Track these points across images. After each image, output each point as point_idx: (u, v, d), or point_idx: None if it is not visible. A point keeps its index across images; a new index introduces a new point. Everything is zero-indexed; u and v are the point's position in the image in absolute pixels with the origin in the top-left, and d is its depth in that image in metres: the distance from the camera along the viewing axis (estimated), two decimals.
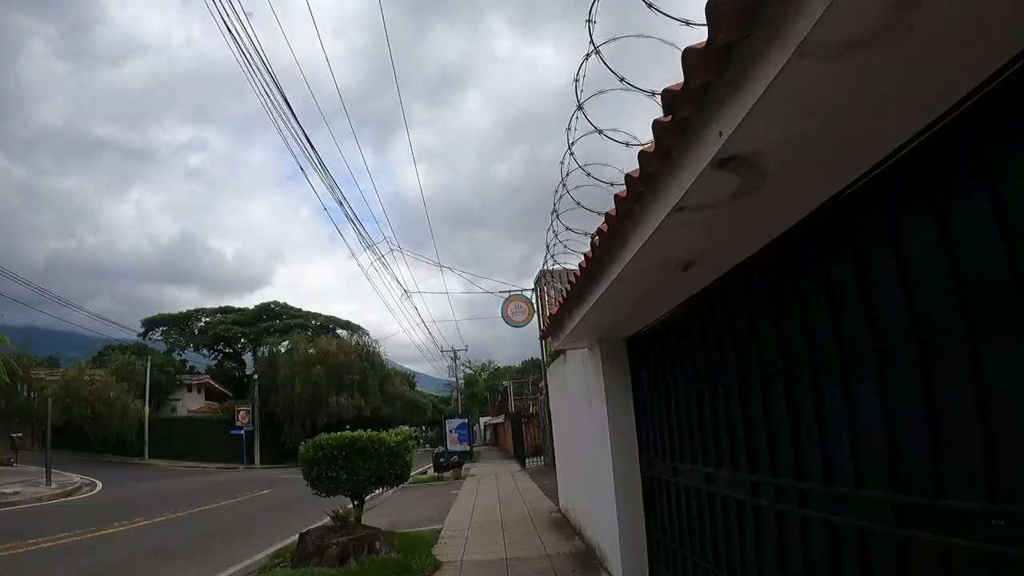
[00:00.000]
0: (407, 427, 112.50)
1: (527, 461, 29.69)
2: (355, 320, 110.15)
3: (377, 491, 15.21)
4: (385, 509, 18.27)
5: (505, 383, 62.99)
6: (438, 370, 72.71)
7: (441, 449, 28.94)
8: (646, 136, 3.68)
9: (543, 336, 9.56)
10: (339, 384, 56.09)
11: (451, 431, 40.52)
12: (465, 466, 31.00)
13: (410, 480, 28.12)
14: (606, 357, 8.25)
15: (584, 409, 9.74)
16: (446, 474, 26.57)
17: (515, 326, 28.52)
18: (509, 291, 28.77)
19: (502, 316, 28.35)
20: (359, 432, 11.32)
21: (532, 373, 58.94)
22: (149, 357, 54.59)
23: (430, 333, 70.66)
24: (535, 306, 27.52)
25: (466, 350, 66.73)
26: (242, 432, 53.02)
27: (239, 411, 54.39)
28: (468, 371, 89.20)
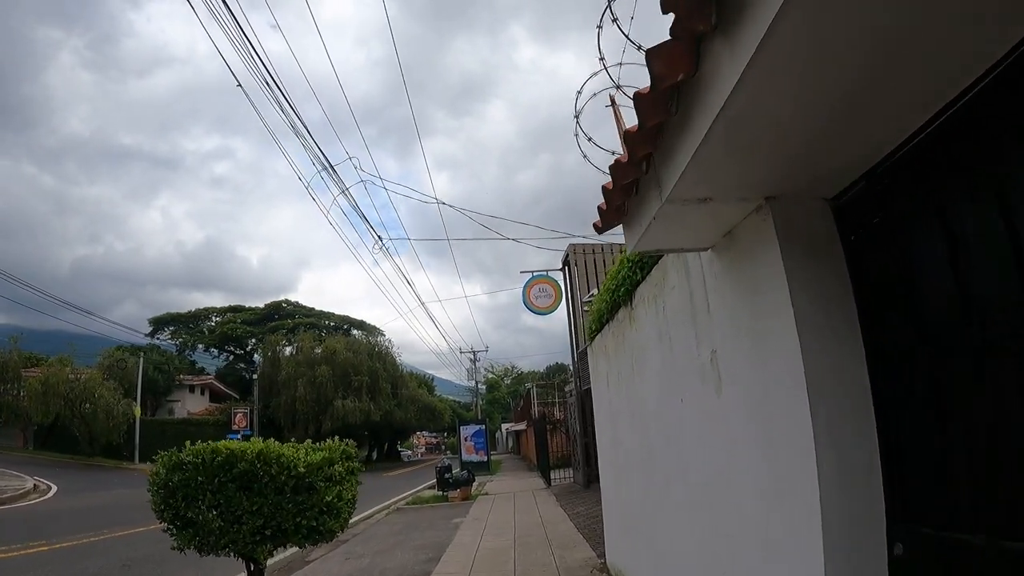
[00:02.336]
0: (424, 433, 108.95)
1: (552, 476, 24.57)
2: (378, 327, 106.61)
3: (284, 552, 9.33)
4: (353, 548, 13.45)
5: (527, 385, 58.21)
6: (458, 376, 68.80)
7: (446, 462, 23.59)
8: None
9: (606, 223, 4.02)
10: (346, 386, 51.52)
11: (466, 439, 35.89)
12: (478, 481, 26.03)
13: (410, 499, 23.47)
14: (788, 250, 3.09)
15: (693, 391, 4.89)
16: (452, 493, 21.36)
17: (539, 313, 23.68)
18: (532, 272, 23.85)
19: (523, 302, 23.58)
20: (243, 445, 6.24)
21: (558, 375, 54.82)
22: (142, 354, 49.98)
23: (441, 331, 66.39)
24: (563, 288, 22.99)
25: (486, 351, 62.62)
26: (239, 436, 47.29)
27: (236, 414, 50.04)
28: (490, 375, 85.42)
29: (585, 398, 20.80)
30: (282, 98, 13.03)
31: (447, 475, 21.81)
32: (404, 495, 25.27)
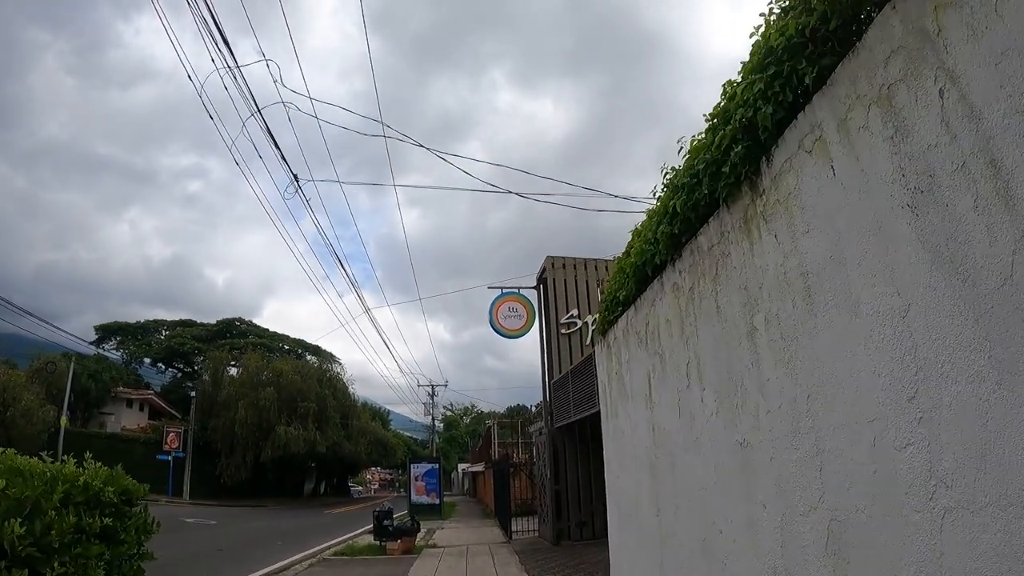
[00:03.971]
0: (378, 468, 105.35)
1: (514, 526, 20.82)
2: (343, 360, 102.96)
3: None
4: None
5: (488, 423, 54.68)
6: (416, 412, 65.52)
7: (386, 506, 19.51)
8: None
9: None
10: (291, 411, 47.32)
11: (417, 478, 32.18)
12: (426, 529, 22.26)
13: (336, 549, 19.81)
14: None
15: None
16: (391, 544, 17.50)
17: (508, 336, 20.53)
18: (501, 287, 20.65)
19: (490, 323, 20.41)
20: None
21: (520, 415, 51.65)
22: (73, 358, 45.49)
23: (396, 358, 63.00)
24: (537, 309, 19.81)
25: (446, 385, 59.36)
26: (170, 458, 43.70)
27: (169, 433, 45.27)
28: (449, 413, 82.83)
29: (558, 437, 17.57)
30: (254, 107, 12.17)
31: (386, 521, 17.97)
32: (337, 540, 21.39)
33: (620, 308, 7.37)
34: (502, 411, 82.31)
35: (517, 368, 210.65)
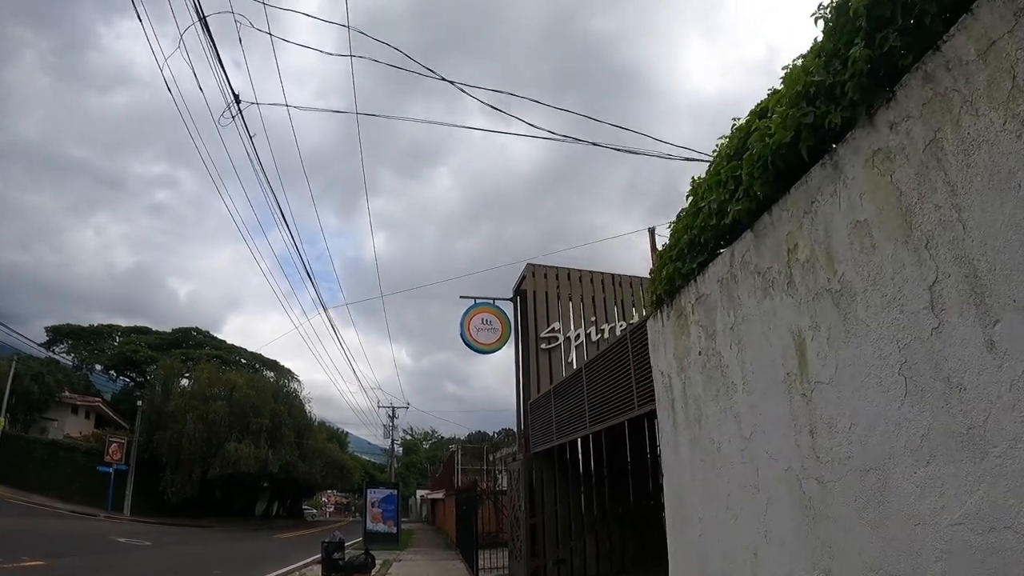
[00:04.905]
0: (334, 492, 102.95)
1: (480, 560, 18.68)
2: (302, 379, 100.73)
3: None
4: None
5: (451, 447, 52.62)
6: (376, 435, 63.52)
7: (337, 536, 17.05)
8: None
9: None
10: (243, 427, 44.59)
11: (374, 504, 29.95)
12: (382, 561, 20.11)
13: None
14: None
15: None
16: None
17: (481, 350, 18.68)
18: (475, 298, 18.90)
19: (461, 335, 18.51)
20: None
21: (485, 442, 49.72)
22: (15, 357, 42.81)
23: (358, 372, 61.30)
24: (513, 323, 18.22)
25: (407, 407, 57.29)
26: (111, 470, 41.20)
27: (111, 443, 42.54)
28: (409, 437, 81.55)
29: (536, 465, 15.58)
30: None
31: (337, 554, 15.77)
32: (281, 571, 19.16)
33: (708, 248, 5.63)
34: (463, 437, 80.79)
35: (478, 395, 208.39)
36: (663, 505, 15.59)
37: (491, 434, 66.68)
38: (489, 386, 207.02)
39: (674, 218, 6.44)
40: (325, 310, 25.57)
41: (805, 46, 4.21)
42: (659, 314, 6.87)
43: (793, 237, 4.31)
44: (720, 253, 5.48)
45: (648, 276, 8.37)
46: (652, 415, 9.26)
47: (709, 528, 5.75)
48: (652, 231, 6.66)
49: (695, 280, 5.95)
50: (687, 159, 12.35)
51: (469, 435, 76.25)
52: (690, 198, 6.01)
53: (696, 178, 6.00)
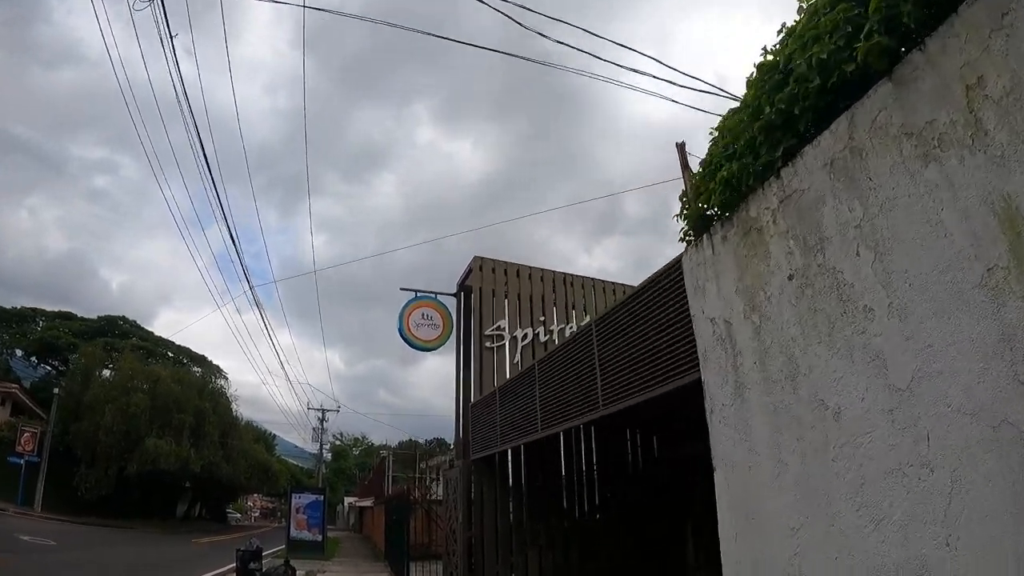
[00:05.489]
0: (259, 495, 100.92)
1: (410, 572, 17.36)
2: (233, 380, 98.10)
3: None
4: None
5: (383, 453, 51.04)
6: (305, 439, 61.84)
7: (254, 544, 15.35)
8: None
9: None
10: (165, 423, 42.20)
11: (299, 510, 28.40)
12: (305, 572, 18.66)
13: None
14: None
15: None
16: None
17: (421, 347, 17.32)
18: (416, 291, 17.61)
19: (399, 330, 17.09)
20: None
21: (418, 449, 48.43)
22: None
23: (288, 370, 59.55)
24: (457, 316, 17.12)
25: (338, 411, 55.77)
26: (22, 462, 38.72)
27: (24, 433, 39.98)
28: (338, 442, 79.97)
29: (476, 473, 14.42)
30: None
31: (253, 564, 14.26)
32: None
33: (800, 125, 4.27)
34: (394, 445, 79.50)
35: (411, 404, 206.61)
36: (617, 518, 14.68)
37: (423, 443, 65.44)
38: (423, 395, 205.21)
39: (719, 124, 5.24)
40: (251, 287, 23.92)
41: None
42: (704, 241, 5.31)
43: (975, 68, 3.05)
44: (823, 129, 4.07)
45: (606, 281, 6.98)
46: (617, 416, 8.15)
47: (814, 542, 4.04)
48: (682, 145, 5.51)
49: (776, 177, 4.47)
50: (714, 91, 11.26)
51: (400, 443, 74.92)
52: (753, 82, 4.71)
53: (772, 47, 4.63)
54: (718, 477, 5.08)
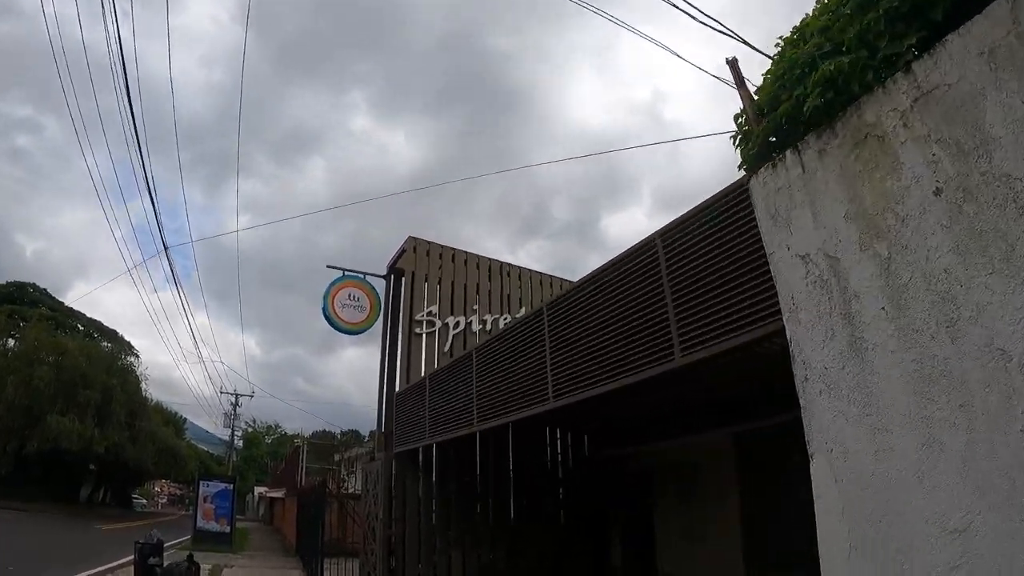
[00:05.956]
0: (167, 481, 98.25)
1: (323, 570, 16.34)
2: (146, 360, 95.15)
3: None
4: None
5: (297, 442, 49.59)
6: (216, 425, 59.84)
7: (155, 536, 13.96)
8: None
9: None
10: (70, 399, 39.70)
11: (206, 499, 27.04)
12: (210, 566, 17.49)
13: None
14: None
15: None
16: None
17: (346, 330, 16.23)
18: (343, 270, 16.48)
19: (324, 311, 15.96)
20: None
21: (336, 440, 47.16)
22: None
23: (202, 352, 58.13)
24: (385, 299, 15.96)
25: (252, 396, 53.96)
26: None
27: None
28: (251, 430, 77.97)
29: (399, 466, 13.58)
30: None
31: (153, 559, 13.01)
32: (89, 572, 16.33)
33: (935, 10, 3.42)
34: (308, 435, 78.08)
35: (328, 394, 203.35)
36: (544, 519, 13.91)
37: (337, 434, 64.05)
38: (342, 387, 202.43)
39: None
40: (165, 248, 22.50)
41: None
42: (788, 161, 4.20)
43: None
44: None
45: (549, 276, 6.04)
46: (558, 413, 7.34)
47: (989, 545, 2.93)
48: (734, 61, 4.65)
49: (905, 72, 3.50)
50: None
51: (314, 433, 73.50)
52: None
53: None
54: (818, 468, 3.87)
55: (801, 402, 3.97)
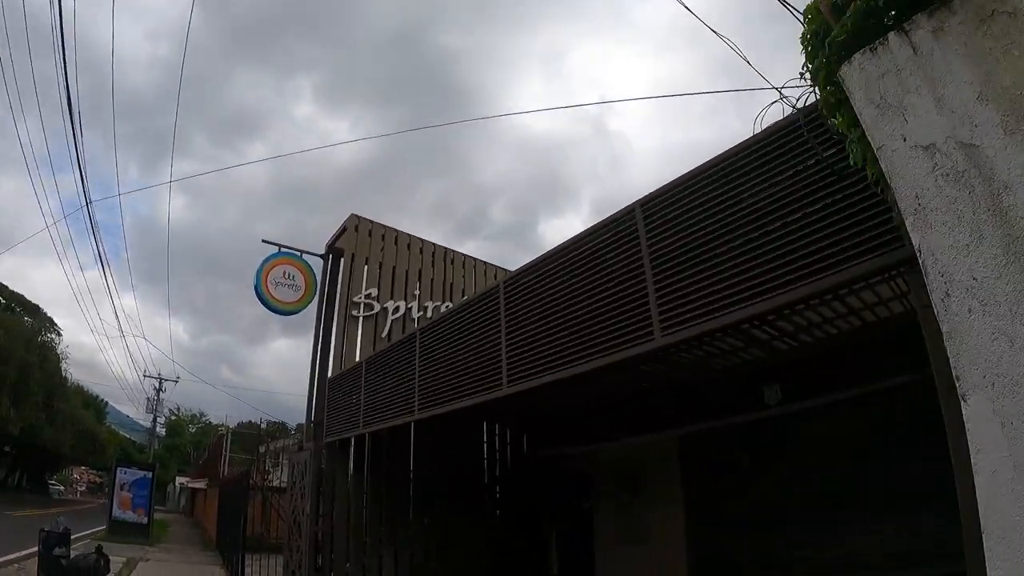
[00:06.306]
0: (86, 468, 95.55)
1: (246, 571, 15.37)
2: (69, 339, 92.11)
3: None
4: None
5: (221, 430, 48.20)
6: (138, 412, 58.02)
7: (61, 524, 12.76)
8: None
9: None
10: None
11: (124, 487, 25.77)
12: (123, 561, 16.42)
13: None
14: None
15: None
16: None
17: (279, 310, 15.25)
18: (279, 246, 15.56)
19: (256, 288, 15.00)
20: None
21: (264, 431, 45.87)
22: None
23: (124, 338, 56.63)
24: (322, 281, 15.40)
25: (177, 381, 52.23)
26: None
27: None
28: (174, 417, 76.24)
29: (329, 458, 12.82)
30: None
31: (59, 550, 11.92)
32: None
33: None
34: (233, 426, 76.70)
35: (254, 383, 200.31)
36: (482, 519, 13.21)
37: (263, 424, 62.71)
38: (267, 376, 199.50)
39: None
40: (88, 204, 21.05)
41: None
42: (892, 43, 3.30)
43: None
44: None
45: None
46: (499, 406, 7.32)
47: None
48: None
49: None
50: None
51: (239, 424, 72.21)
52: None
53: None
54: (976, 411, 2.76)
55: (944, 328, 3.06)
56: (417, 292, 15.07)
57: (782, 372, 8.96)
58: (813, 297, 4.76)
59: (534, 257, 7.17)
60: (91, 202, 21.16)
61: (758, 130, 4.81)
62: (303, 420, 14.54)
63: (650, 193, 5.58)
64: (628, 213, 5.68)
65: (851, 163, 3.89)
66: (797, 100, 4.37)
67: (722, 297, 4.77)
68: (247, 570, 15.10)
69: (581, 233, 6.35)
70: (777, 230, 4.62)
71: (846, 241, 4.26)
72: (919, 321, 3.86)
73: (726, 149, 5.10)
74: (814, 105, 4.23)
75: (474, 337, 7.83)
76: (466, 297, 13.88)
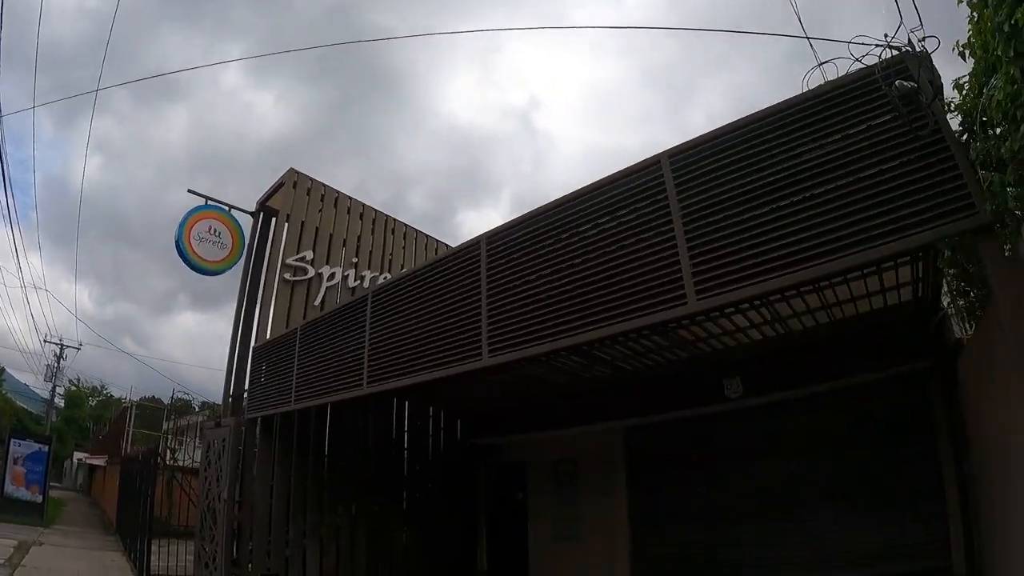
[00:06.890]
0: None
1: (152, 559, 13.83)
2: None
3: None
4: None
5: (125, 404, 46.05)
6: (38, 381, 55.75)
7: None
8: None
9: None
10: None
11: (17, 460, 23.87)
12: (16, 543, 14.90)
13: None
14: None
15: None
16: None
17: (201, 268, 13.67)
18: (206, 199, 13.99)
19: (178, 243, 13.38)
20: None
21: (169, 408, 43.87)
22: None
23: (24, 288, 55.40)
24: (251, 239, 13.95)
25: (79, 348, 50.19)
26: None
27: None
28: (74, 388, 73.63)
29: (251, 437, 11.55)
30: None
31: None
32: None
33: None
34: (136, 400, 74.12)
35: (158, 360, 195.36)
36: (410, 508, 12.14)
37: (168, 401, 60.62)
38: (171, 353, 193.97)
39: None
40: None
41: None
42: None
43: None
44: None
45: None
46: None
47: None
48: None
49: None
50: None
51: (143, 398, 69.96)
52: None
53: None
54: None
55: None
56: (355, 260, 13.86)
57: (739, 366, 8.96)
58: (856, 268, 4.68)
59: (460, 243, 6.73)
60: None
61: (804, 91, 4.72)
62: (209, 399, 13.19)
63: (679, 144, 5.36)
64: (654, 162, 5.42)
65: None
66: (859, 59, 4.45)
67: (755, 264, 4.64)
68: (153, 558, 13.57)
69: (581, 190, 5.95)
70: (823, 195, 4.43)
71: (906, 208, 4.03)
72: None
73: (776, 103, 4.93)
74: (884, 63, 4.31)
75: (446, 301, 6.84)
76: (438, 254, 12.70)
